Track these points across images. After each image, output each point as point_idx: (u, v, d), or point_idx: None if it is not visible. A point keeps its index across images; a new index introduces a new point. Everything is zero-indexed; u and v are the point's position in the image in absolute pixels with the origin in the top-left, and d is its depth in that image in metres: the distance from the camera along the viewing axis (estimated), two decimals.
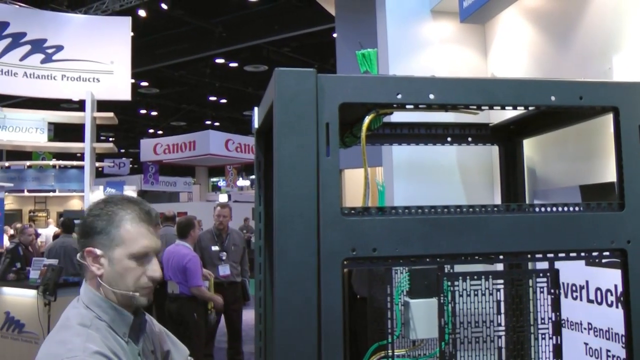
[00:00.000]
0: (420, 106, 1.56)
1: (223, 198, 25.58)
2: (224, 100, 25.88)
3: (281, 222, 1.48)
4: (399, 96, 1.52)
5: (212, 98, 25.10)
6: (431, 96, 1.53)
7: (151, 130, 32.27)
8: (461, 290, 1.65)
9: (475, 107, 1.63)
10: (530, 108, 1.73)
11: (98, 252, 1.87)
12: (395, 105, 1.56)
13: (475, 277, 1.66)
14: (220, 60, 20.09)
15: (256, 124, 2.04)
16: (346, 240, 1.48)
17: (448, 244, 1.55)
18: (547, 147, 2.63)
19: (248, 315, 8.88)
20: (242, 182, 32.47)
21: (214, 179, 36.66)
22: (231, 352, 7.75)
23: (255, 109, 2.04)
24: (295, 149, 1.49)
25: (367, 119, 1.59)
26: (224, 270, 7.42)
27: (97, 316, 1.86)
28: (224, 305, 7.58)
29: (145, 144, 24.68)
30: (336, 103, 1.49)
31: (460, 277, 1.65)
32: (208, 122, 29.14)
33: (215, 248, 7.59)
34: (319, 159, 1.48)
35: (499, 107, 1.62)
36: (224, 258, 7.51)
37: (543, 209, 1.65)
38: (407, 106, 1.56)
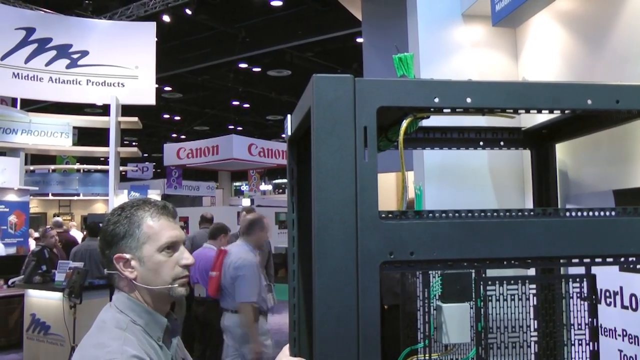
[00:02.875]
0: (457, 110, 1.56)
1: (246, 202, 25.66)
2: (247, 105, 25.98)
3: (320, 227, 1.48)
4: (437, 100, 1.52)
5: (235, 103, 25.21)
6: (468, 100, 1.53)
7: (174, 135, 32.46)
8: (498, 295, 1.65)
9: (511, 110, 1.62)
10: (565, 112, 1.72)
11: (127, 256, 1.91)
12: (432, 109, 1.56)
13: (512, 281, 1.66)
14: (243, 65, 20.20)
15: (289, 132, 2.05)
16: (384, 244, 1.49)
17: (485, 248, 1.54)
18: (580, 151, 2.61)
19: (274, 319, 8.91)
20: (265, 187, 32.55)
21: (237, 184, 36.81)
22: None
23: (288, 116, 2.05)
24: (334, 153, 1.49)
25: (404, 123, 1.60)
26: None
27: (132, 320, 1.90)
28: None
29: (168, 148, 24.83)
30: (374, 107, 1.50)
31: (497, 282, 1.64)
32: (231, 127, 29.26)
33: None
34: (357, 163, 1.49)
35: (535, 111, 1.62)
36: None
37: (580, 214, 1.64)
38: (444, 110, 1.56)
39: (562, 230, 1.58)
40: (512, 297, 1.67)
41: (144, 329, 1.90)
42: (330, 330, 1.47)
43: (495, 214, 1.58)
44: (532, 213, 1.63)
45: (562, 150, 2.60)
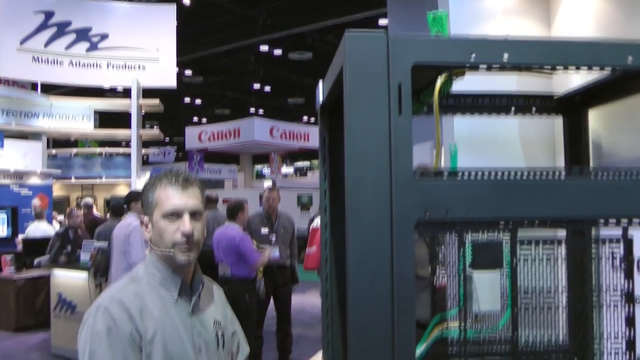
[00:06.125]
0: (493, 67, 1.53)
1: (268, 185, 25.72)
2: (268, 88, 25.95)
3: (353, 187, 1.46)
4: (473, 56, 1.49)
5: (257, 86, 25.19)
6: (505, 56, 1.50)
7: (195, 119, 32.55)
8: (533, 256, 1.63)
9: (549, 68, 1.59)
10: (605, 70, 1.68)
11: (145, 218, 2.18)
12: (468, 66, 1.53)
13: (548, 242, 1.63)
14: (264, 48, 20.13)
15: (321, 99, 2.03)
16: (419, 203, 1.46)
17: (521, 208, 1.52)
18: (614, 119, 2.56)
19: (297, 299, 8.95)
20: (287, 170, 32.58)
21: (258, 166, 36.88)
22: (280, 335, 7.79)
23: (320, 83, 2.03)
24: (367, 111, 1.47)
25: (439, 80, 1.57)
26: (274, 253, 7.44)
27: (151, 274, 2.15)
28: (273, 288, 7.64)
29: (190, 131, 24.92)
30: (408, 64, 1.47)
31: (533, 242, 1.62)
32: (252, 110, 29.27)
33: (264, 231, 7.64)
34: (390, 121, 1.46)
35: (573, 68, 1.58)
36: (273, 240, 7.55)
37: (617, 174, 1.61)
38: (480, 67, 1.53)
39: (599, 191, 1.55)
40: (548, 258, 1.64)
41: (161, 283, 2.13)
42: (364, 293, 1.46)
43: (531, 174, 1.55)
44: (569, 174, 1.60)
45: (596, 119, 2.55)
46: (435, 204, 1.48)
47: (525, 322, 1.75)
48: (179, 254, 2.09)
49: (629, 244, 1.66)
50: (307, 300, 11.59)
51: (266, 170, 34.21)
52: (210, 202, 9.50)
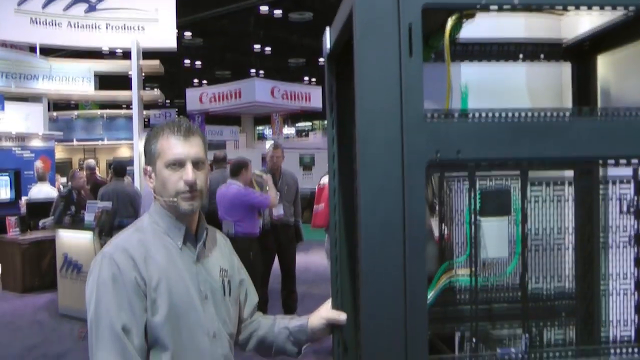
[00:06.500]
0: (504, 7, 1.52)
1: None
2: (268, 49, 25.77)
3: (364, 130, 1.46)
4: None
5: (257, 47, 25.00)
6: None
7: (196, 81, 32.40)
8: (544, 196, 1.63)
9: (560, 7, 1.58)
10: (617, 10, 1.66)
11: (149, 168, 2.20)
12: (478, 7, 1.52)
13: (559, 182, 1.63)
14: (264, 9, 19.94)
15: (328, 47, 2.02)
16: (430, 144, 1.46)
17: (532, 148, 1.51)
18: (623, 64, 2.54)
19: (301, 258, 9.01)
20: (288, 131, 32.51)
21: (260, 128, 36.75)
22: (285, 293, 7.87)
23: (327, 30, 2.02)
24: (377, 53, 1.46)
25: (449, 22, 1.56)
26: (278, 210, 7.48)
27: (155, 223, 2.19)
28: (277, 247, 7.69)
29: (190, 93, 24.80)
30: (419, 4, 1.46)
31: (544, 182, 1.62)
32: (253, 72, 29.10)
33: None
34: (401, 62, 1.46)
35: (584, 8, 1.57)
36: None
37: (629, 113, 1.60)
38: (491, 7, 1.52)
39: (609, 131, 1.55)
40: (559, 199, 1.65)
41: (166, 232, 2.16)
42: (376, 236, 1.47)
43: (542, 114, 1.55)
44: (580, 113, 1.60)
45: (605, 65, 2.53)
46: (446, 144, 1.47)
47: (534, 266, 1.76)
48: (183, 203, 2.11)
49: (639, 184, 1.66)
50: (311, 260, 11.66)
51: (268, 131, 34.18)
52: (218, 161, 9.47)
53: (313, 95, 24.02)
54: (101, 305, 1.98)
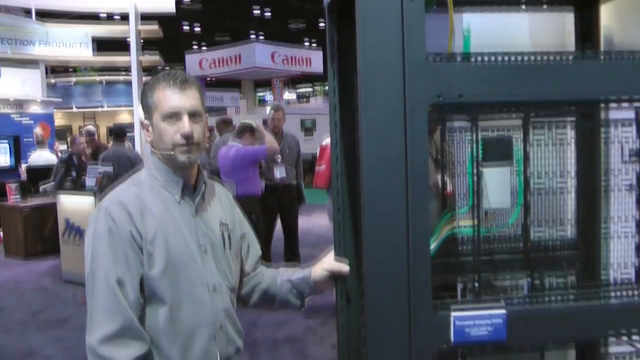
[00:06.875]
0: None
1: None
2: (268, 13, 25.53)
3: (366, 74, 1.45)
4: None
5: (256, 11, 24.76)
6: None
7: (195, 47, 32.18)
8: (546, 140, 1.63)
9: None
10: None
11: (146, 121, 2.17)
12: None
13: (561, 125, 1.63)
14: None
15: None
16: (432, 87, 1.46)
17: (535, 91, 1.51)
18: (627, 12, 2.52)
19: (303, 221, 9.02)
20: (289, 96, 32.37)
21: (260, 93, 36.55)
22: (288, 255, 7.90)
23: None
24: None
25: None
26: (280, 172, 7.49)
27: (153, 176, 2.16)
28: (280, 208, 7.70)
29: (190, 58, 24.58)
30: None
31: (546, 125, 1.62)
32: (252, 36, 28.86)
33: None
34: (403, 5, 1.44)
35: None
36: (279, 160, 7.56)
37: (632, 56, 1.59)
38: None
39: (611, 72, 1.54)
40: (561, 142, 1.65)
41: (163, 185, 2.15)
42: (379, 181, 1.47)
43: (545, 57, 1.54)
44: (583, 55, 1.59)
45: (608, 15, 2.51)
46: (448, 87, 1.47)
47: (536, 211, 1.76)
48: (180, 155, 2.09)
49: None
50: (313, 222, 11.69)
51: (268, 96, 34.01)
52: (226, 124, 9.42)
53: (314, 59, 23.80)
54: (97, 258, 1.99)
